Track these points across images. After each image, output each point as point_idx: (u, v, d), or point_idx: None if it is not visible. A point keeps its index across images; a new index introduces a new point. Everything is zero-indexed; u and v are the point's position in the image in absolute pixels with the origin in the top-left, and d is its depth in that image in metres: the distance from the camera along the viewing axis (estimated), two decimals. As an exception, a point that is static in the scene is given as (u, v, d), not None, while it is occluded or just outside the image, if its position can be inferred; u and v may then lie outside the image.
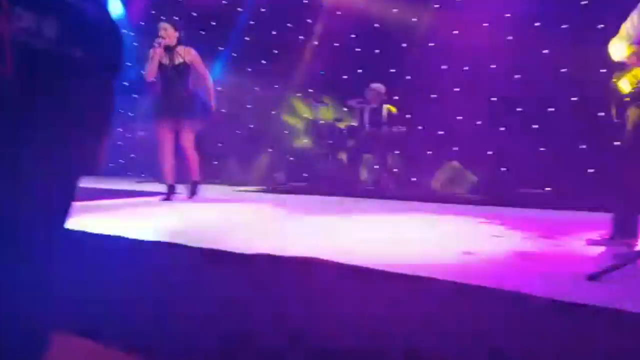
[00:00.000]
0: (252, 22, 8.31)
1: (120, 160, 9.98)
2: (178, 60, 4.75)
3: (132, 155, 9.67)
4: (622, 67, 2.80)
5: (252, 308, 1.68)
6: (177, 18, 5.03)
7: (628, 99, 2.73)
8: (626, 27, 2.85)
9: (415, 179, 6.70)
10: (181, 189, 5.02)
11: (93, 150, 0.87)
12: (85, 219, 3.30)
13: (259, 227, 3.41)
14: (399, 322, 1.58)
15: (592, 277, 2.00)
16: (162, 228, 3.23)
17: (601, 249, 2.67)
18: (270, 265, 2.24)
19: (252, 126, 8.49)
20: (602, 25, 5.06)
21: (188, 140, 4.83)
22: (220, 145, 8.34)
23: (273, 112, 8.07)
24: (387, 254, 2.49)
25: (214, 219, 3.88)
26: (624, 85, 2.76)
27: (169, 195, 4.89)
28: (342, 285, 2.00)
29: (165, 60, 4.74)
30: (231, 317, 1.59)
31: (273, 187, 7.09)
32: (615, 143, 4.54)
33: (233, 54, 8.07)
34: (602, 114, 5.31)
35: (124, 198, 5.09)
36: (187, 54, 4.79)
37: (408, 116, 6.84)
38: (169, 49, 4.74)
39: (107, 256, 2.49)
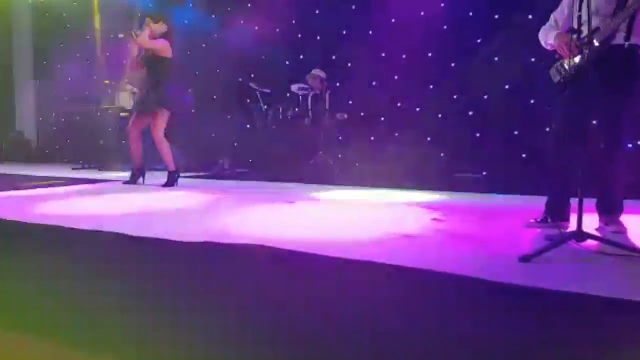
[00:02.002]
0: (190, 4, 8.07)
1: (55, 146, 9.50)
2: (149, 52, 5.01)
3: (67, 140, 9.22)
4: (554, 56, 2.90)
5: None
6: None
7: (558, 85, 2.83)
8: (555, 16, 2.96)
9: (358, 164, 6.80)
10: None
11: None
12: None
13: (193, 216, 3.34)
14: (338, 306, 1.60)
15: (524, 259, 2.10)
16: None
17: (535, 231, 2.77)
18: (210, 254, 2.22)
19: (193, 111, 8.30)
20: (531, 16, 5.30)
21: (158, 130, 5.02)
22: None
23: (214, 97, 7.91)
24: (326, 239, 2.51)
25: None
26: (553, 73, 2.88)
27: (134, 179, 5.22)
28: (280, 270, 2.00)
29: (142, 53, 5.04)
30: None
31: (216, 173, 6.98)
32: (546, 129, 4.83)
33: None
34: (533, 101, 5.61)
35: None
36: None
37: (350, 102, 6.91)
38: None
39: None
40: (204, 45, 7.96)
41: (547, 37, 2.89)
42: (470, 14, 6.03)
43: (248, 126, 7.70)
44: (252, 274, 2.00)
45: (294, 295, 1.75)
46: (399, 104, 6.64)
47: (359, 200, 4.20)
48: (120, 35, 5.16)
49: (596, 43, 2.60)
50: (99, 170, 7.34)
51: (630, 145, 4.83)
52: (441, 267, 1.94)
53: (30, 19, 10.15)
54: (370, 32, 6.73)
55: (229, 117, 7.79)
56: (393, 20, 6.47)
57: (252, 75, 7.55)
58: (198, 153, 7.69)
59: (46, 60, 9.81)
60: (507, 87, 5.78)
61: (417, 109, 6.50)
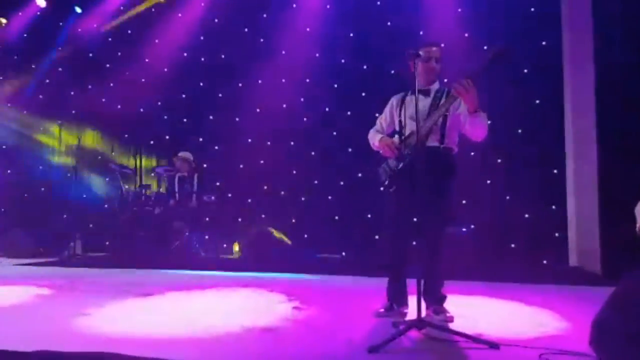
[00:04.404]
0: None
1: None
2: None
3: None
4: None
5: None
6: None
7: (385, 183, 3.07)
8: (380, 121, 3.30)
9: (226, 245, 6.73)
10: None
11: None
12: None
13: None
14: None
15: (372, 350, 2.22)
16: None
17: (383, 320, 2.87)
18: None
19: (43, 189, 7.63)
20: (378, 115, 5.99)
21: None
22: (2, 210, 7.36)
23: (68, 175, 7.41)
24: (181, 339, 2.44)
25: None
26: (381, 172, 3.11)
27: None
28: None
29: None
30: None
31: (66, 258, 6.36)
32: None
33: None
34: (382, 188, 6.21)
35: None
36: None
37: (217, 184, 6.96)
38: None
39: None
40: (59, 122, 7.55)
41: (374, 140, 3.19)
42: (327, 109, 6.67)
43: (106, 206, 7.27)
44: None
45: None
46: (265, 187, 6.86)
47: (222, 288, 4.14)
48: None
49: (412, 144, 2.88)
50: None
51: (464, 230, 5.54)
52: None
53: None
54: (237, 119, 7.01)
55: (84, 196, 7.29)
56: (258, 110, 6.86)
57: (113, 153, 7.29)
58: (47, 235, 7.01)
59: None
60: (359, 175, 6.31)
61: (282, 193, 6.77)
